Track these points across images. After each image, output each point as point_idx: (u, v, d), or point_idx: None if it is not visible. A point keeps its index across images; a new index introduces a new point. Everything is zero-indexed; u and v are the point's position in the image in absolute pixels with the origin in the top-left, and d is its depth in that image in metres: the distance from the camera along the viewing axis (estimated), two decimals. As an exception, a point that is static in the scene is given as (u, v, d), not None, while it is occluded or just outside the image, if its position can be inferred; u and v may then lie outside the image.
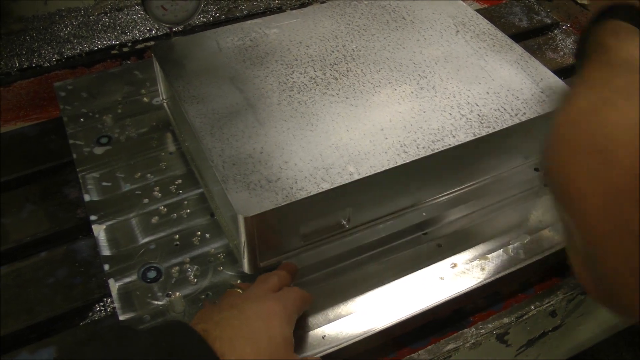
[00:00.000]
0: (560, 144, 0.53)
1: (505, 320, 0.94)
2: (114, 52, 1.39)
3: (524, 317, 0.95)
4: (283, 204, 0.80)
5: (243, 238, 0.82)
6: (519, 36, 1.49)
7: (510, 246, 0.96)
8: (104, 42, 1.44)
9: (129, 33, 1.47)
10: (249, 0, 1.58)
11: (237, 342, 0.68)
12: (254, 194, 0.81)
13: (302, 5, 1.56)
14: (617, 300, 0.54)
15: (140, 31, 1.47)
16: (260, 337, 0.71)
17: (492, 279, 0.92)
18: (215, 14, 1.56)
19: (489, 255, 0.95)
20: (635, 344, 1.54)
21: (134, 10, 1.52)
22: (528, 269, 0.95)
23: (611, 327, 1.25)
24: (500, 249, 0.96)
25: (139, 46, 1.40)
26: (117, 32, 1.47)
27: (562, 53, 1.44)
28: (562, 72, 1.40)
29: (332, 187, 0.83)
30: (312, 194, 0.82)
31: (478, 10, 1.56)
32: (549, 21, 1.54)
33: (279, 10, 1.57)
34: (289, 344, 0.74)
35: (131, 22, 1.50)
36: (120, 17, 1.52)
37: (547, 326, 1.02)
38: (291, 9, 1.54)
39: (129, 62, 1.37)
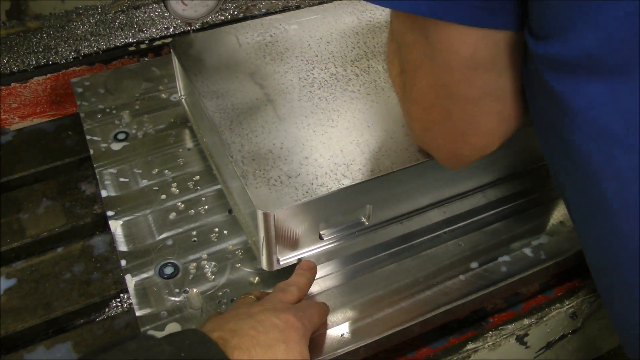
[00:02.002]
0: None
1: (526, 321, 0.93)
2: (131, 49, 1.38)
3: (545, 319, 0.93)
4: (303, 200, 0.79)
5: (262, 234, 0.81)
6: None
7: (531, 247, 0.95)
8: (121, 40, 1.43)
9: (146, 31, 1.47)
10: (268, -3, 1.58)
11: (255, 353, 0.67)
12: (274, 189, 0.80)
13: (321, 3, 1.55)
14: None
15: (158, 29, 1.47)
16: (278, 349, 0.69)
17: (513, 279, 0.91)
18: (234, 12, 1.56)
19: (510, 256, 0.93)
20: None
21: (151, 9, 1.52)
22: (548, 270, 0.94)
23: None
24: (521, 249, 0.94)
25: (156, 43, 1.40)
26: (134, 30, 1.47)
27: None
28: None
29: (353, 183, 0.82)
30: (332, 190, 0.81)
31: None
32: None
33: (297, 8, 1.56)
34: (305, 358, 0.73)
35: (148, 20, 1.49)
36: (137, 14, 1.51)
37: (567, 329, 1.01)
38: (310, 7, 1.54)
39: (146, 59, 1.36)
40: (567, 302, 0.95)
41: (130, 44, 1.42)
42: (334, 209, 0.85)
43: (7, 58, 1.34)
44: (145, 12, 1.51)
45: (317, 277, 0.88)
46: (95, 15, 1.48)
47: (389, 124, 0.90)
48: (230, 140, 0.87)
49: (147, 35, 1.45)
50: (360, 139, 0.87)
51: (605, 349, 1.22)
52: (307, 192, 0.80)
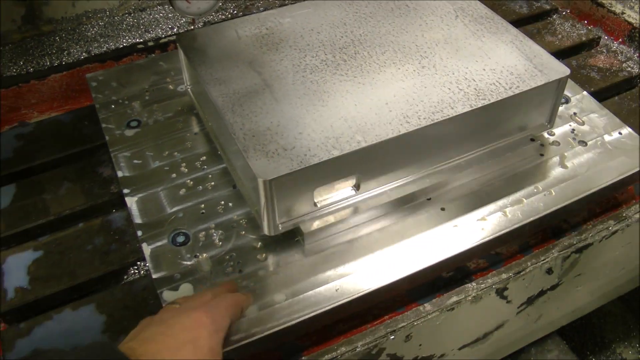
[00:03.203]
0: None
1: (504, 275, 1.03)
2: (139, 46, 1.49)
3: (521, 273, 1.03)
4: (298, 168, 0.90)
5: (263, 201, 0.92)
6: (519, 22, 1.58)
7: (508, 208, 1.05)
8: (129, 40, 1.54)
9: (152, 31, 1.57)
10: (264, -4, 1.68)
11: (161, 356, 0.70)
12: (272, 160, 0.91)
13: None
14: None
15: (163, 29, 1.57)
16: (186, 351, 0.72)
17: (491, 237, 1.01)
18: (233, 11, 1.66)
19: (488, 217, 1.03)
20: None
21: (156, 10, 1.62)
22: (525, 229, 1.04)
23: (610, 292, 1.33)
24: (498, 211, 1.04)
25: (162, 40, 1.50)
26: (140, 30, 1.57)
27: (560, 36, 1.53)
28: (560, 53, 1.49)
29: (341, 153, 0.92)
30: (323, 159, 0.91)
31: (480, -1, 1.66)
32: (548, 7, 1.63)
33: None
34: (216, 354, 0.75)
35: (154, 21, 1.60)
36: (143, 16, 1.61)
37: (545, 284, 1.10)
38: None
39: (153, 55, 1.47)
40: (542, 258, 1.05)
41: (138, 44, 1.52)
42: (326, 176, 0.95)
43: (23, 60, 1.45)
44: (150, 14, 1.61)
45: (315, 241, 0.98)
46: (104, 18, 1.58)
47: (374, 101, 1.00)
48: (232, 121, 0.97)
49: (153, 35, 1.55)
50: (347, 116, 0.97)
51: (586, 309, 1.32)
52: (301, 161, 0.90)
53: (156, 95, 1.26)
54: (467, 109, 0.99)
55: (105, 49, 1.51)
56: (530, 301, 1.12)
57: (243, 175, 1.04)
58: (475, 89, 1.02)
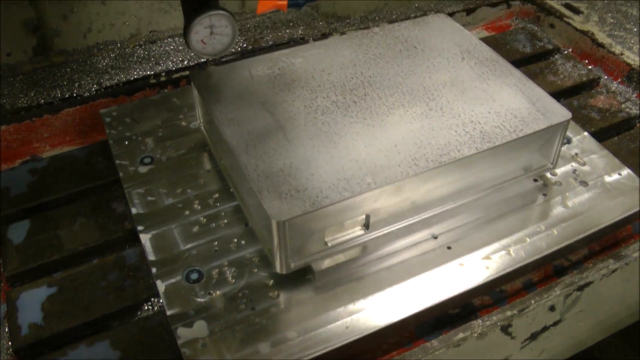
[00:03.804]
0: None
1: (508, 313, 1.05)
2: (152, 81, 1.52)
3: (525, 311, 1.06)
4: (310, 210, 0.93)
5: (276, 240, 0.95)
6: (523, 61, 1.63)
7: (512, 247, 1.08)
8: (140, 73, 1.57)
9: (163, 64, 1.60)
10: (273, 31, 1.71)
11: None
12: (285, 201, 0.94)
13: (324, 36, 1.69)
14: None
15: (173, 62, 1.60)
16: None
17: (496, 276, 1.04)
18: (243, 44, 1.69)
19: (492, 256, 1.06)
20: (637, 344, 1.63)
21: (167, 43, 1.65)
22: (528, 267, 1.07)
23: (611, 326, 1.35)
24: (502, 250, 1.07)
25: (174, 75, 1.53)
26: (152, 63, 1.60)
27: (562, 76, 1.57)
28: (562, 93, 1.54)
29: (352, 195, 0.95)
30: (335, 201, 0.94)
31: (485, 38, 1.70)
32: (550, 47, 1.68)
33: (302, 40, 1.70)
34: None
35: (164, 54, 1.63)
36: (154, 49, 1.65)
37: (548, 321, 1.13)
38: (313, 39, 1.68)
39: (166, 90, 1.50)
40: (545, 296, 1.08)
41: (148, 77, 1.55)
42: (337, 217, 0.98)
43: (34, 91, 1.48)
44: (161, 46, 1.65)
45: (323, 280, 1.01)
46: (115, 50, 1.61)
47: (383, 143, 1.03)
48: (247, 162, 1.00)
49: (164, 68, 1.58)
50: (358, 157, 1.01)
51: (587, 343, 1.35)
52: (313, 203, 0.94)
53: (169, 131, 1.29)
54: (473, 151, 1.02)
55: (116, 81, 1.53)
56: (533, 337, 1.15)
57: (256, 214, 1.07)
58: (480, 131, 1.05)
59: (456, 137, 1.05)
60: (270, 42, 1.70)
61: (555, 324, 1.15)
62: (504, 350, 1.14)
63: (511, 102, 1.12)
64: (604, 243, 1.19)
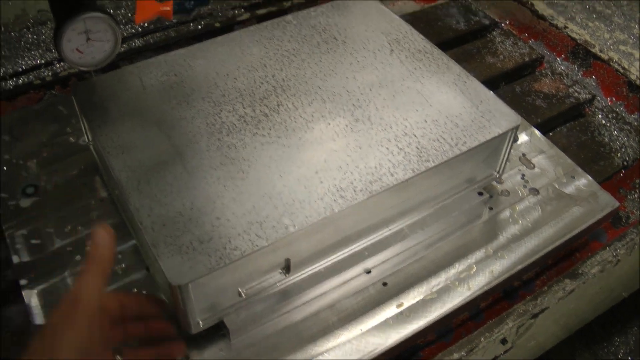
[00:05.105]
0: None
1: (455, 356, 0.92)
2: (37, 82, 1.31)
3: (475, 350, 0.93)
4: (217, 267, 0.77)
5: (179, 303, 0.79)
6: (457, 40, 1.46)
7: (457, 279, 0.94)
8: (28, 63, 1.37)
9: (54, 50, 1.39)
10: (177, 10, 1.52)
11: None
12: (186, 258, 0.77)
13: (231, 18, 1.50)
14: None
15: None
16: None
17: (440, 315, 0.90)
18: (144, 24, 1.49)
19: (436, 290, 0.93)
20: (591, 344, 1.55)
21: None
22: (476, 301, 0.94)
23: (564, 333, 1.25)
24: (446, 282, 0.94)
25: (62, 73, 1.32)
26: (41, 49, 1.40)
27: (501, 57, 1.41)
28: (503, 76, 1.37)
29: (267, 243, 0.79)
30: (246, 253, 0.78)
31: (414, 13, 1.53)
32: (487, 22, 1.51)
33: (210, 16, 1.50)
34: None
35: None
36: (44, 31, 1.44)
37: (498, 351, 1.01)
38: (219, 22, 1.49)
39: (54, 92, 1.30)
40: (496, 330, 0.95)
41: (39, 66, 1.34)
42: (251, 269, 0.82)
43: None
44: (52, 29, 1.43)
45: (244, 334, 0.86)
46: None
47: (302, 170, 0.87)
48: (139, 204, 0.83)
49: (56, 55, 1.37)
50: (272, 192, 0.84)
51: (537, 354, 1.24)
52: (220, 258, 0.77)
53: (55, 150, 1.10)
54: (409, 174, 0.87)
55: (1, 73, 1.32)
56: (483, 367, 1.03)
57: (154, 265, 0.90)
58: (417, 147, 0.90)
59: (388, 157, 0.89)
60: (175, 20, 1.50)
61: (506, 352, 1.03)
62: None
63: (451, 106, 0.96)
64: (558, 255, 1.06)
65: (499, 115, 0.95)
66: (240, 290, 0.84)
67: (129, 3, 1.51)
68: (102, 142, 0.91)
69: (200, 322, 0.83)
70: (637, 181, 1.21)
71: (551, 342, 1.24)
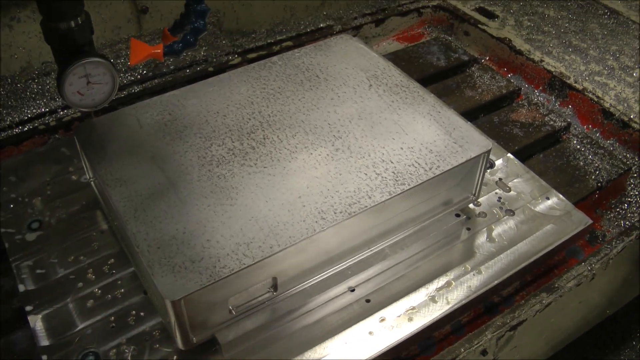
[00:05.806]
0: None
1: (437, 367, 0.97)
2: (41, 127, 1.39)
3: (456, 360, 0.98)
4: (207, 284, 0.83)
5: (172, 319, 0.85)
6: (438, 76, 1.54)
7: (437, 294, 1.00)
8: (34, 111, 1.44)
9: (58, 99, 1.47)
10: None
11: None
12: (179, 276, 0.84)
13: (228, 55, 1.59)
14: None
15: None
16: None
17: (420, 327, 0.96)
18: (143, 71, 1.58)
19: (416, 305, 0.98)
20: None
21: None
22: (455, 314, 0.99)
23: (550, 348, 1.29)
24: (426, 297, 0.99)
25: (65, 118, 1.40)
26: (46, 98, 1.48)
27: (480, 90, 1.49)
28: (482, 108, 1.45)
29: (253, 262, 0.85)
30: (234, 271, 0.84)
31: (397, 52, 1.61)
32: (466, 58, 1.59)
33: (205, 62, 1.59)
34: None
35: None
36: (48, 82, 1.52)
37: (481, 364, 1.06)
38: (216, 60, 1.57)
39: (57, 135, 1.37)
40: (476, 342, 1.00)
41: (43, 114, 1.42)
42: (240, 286, 0.88)
43: None
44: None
45: (233, 351, 0.91)
46: (6, 86, 1.48)
47: (286, 195, 0.94)
48: (135, 230, 0.90)
49: (60, 103, 1.45)
50: (258, 215, 0.91)
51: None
52: (210, 275, 0.84)
53: (58, 188, 1.17)
54: (385, 197, 0.93)
55: (8, 122, 1.40)
56: (467, 381, 1.07)
57: (150, 286, 0.96)
58: (393, 172, 0.97)
59: (366, 182, 0.95)
60: (172, 67, 1.59)
61: (489, 365, 1.08)
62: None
63: (425, 135, 1.03)
64: (536, 272, 1.12)
65: (471, 141, 1.02)
66: (230, 307, 0.90)
67: (128, 52, 1.59)
68: (102, 176, 0.98)
69: (194, 338, 0.89)
70: (612, 201, 1.27)
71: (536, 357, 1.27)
